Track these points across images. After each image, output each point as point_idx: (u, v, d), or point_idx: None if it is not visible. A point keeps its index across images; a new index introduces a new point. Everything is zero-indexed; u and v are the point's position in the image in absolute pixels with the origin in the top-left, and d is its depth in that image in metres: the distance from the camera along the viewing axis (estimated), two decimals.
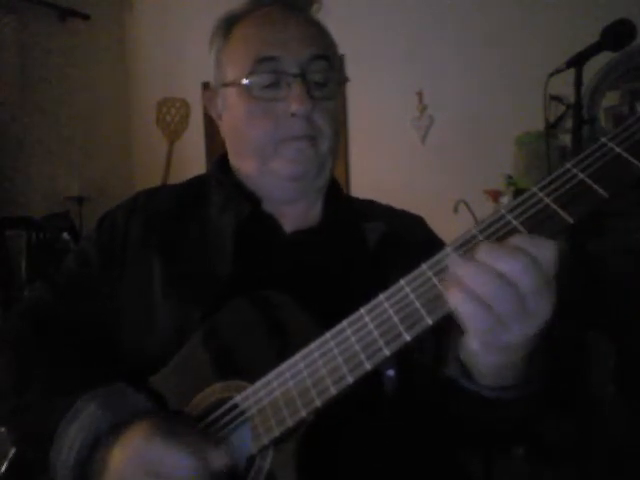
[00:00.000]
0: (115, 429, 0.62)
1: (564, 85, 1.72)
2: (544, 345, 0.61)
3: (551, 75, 1.66)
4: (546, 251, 0.49)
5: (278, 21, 0.81)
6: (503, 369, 0.57)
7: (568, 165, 0.51)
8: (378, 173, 3.10)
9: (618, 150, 0.49)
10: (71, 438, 0.63)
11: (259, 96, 0.79)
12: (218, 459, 0.59)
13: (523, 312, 0.49)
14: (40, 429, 0.67)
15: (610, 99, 2.47)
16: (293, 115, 0.77)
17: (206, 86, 0.90)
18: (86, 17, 3.83)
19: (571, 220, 0.49)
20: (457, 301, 0.50)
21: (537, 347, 0.56)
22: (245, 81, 0.79)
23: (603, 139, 0.50)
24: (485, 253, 0.49)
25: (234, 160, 0.87)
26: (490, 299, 0.49)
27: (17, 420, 0.72)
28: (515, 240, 0.50)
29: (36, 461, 0.68)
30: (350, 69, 3.24)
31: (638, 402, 2.00)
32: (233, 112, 0.83)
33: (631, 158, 0.49)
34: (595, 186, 0.49)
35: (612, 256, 2.12)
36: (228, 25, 0.85)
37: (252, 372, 0.62)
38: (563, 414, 1.85)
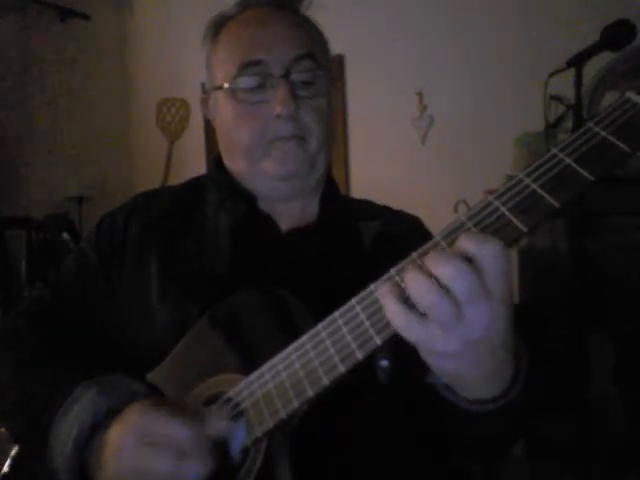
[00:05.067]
0: (113, 413, 0.62)
1: (564, 85, 1.72)
2: (529, 356, 0.62)
3: (551, 75, 1.66)
4: (489, 257, 0.48)
5: (262, 23, 0.82)
6: (462, 380, 0.56)
7: (554, 150, 0.51)
8: (378, 173, 3.10)
9: (603, 134, 0.50)
10: (69, 423, 0.64)
11: (245, 99, 0.80)
12: (215, 422, 0.59)
13: (458, 318, 0.48)
14: (39, 417, 0.67)
15: (610, 99, 2.47)
16: (278, 116, 0.78)
17: (205, 86, 0.91)
18: (86, 17, 3.83)
19: (557, 204, 0.50)
20: (389, 309, 0.51)
21: (505, 358, 0.55)
22: (230, 85, 0.81)
23: (589, 123, 0.51)
24: (429, 259, 0.50)
25: (227, 161, 0.88)
26: (422, 304, 0.49)
27: (17, 413, 0.72)
28: (461, 240, 0.49)
29: (35, 455, 0.68)
30: (350, 69, 3.25)
31: (638, 402, 2.00)
32: (223, 115, 0.84)
33: (617, 141, 0.49)
34: (581, 170, 0.49)
35: (610, 255, 2.12)
36: (216, 28, 0.86)
37: (250, 365, 0.62)
38: (563, 414, 1.86)
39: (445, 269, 0.48)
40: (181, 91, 3.69)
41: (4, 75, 3.42)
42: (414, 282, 0.49)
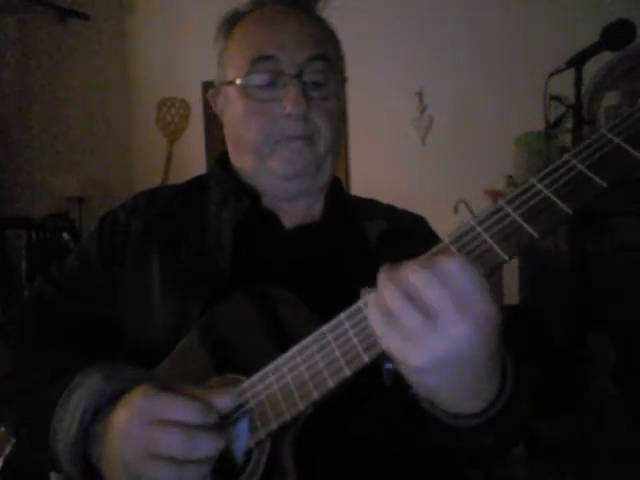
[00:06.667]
0: (117, 396, 0.62)
1: (564, 85, 1.72)
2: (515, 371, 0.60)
3: (551, 75, 1.66)
4: (452, 272, 0.48)
5: (277, 21, 0.82)
6: (441, 396, 0.55)
7: (567, 156, 0.51)
8: (378, 173, 3.10)
9: (617, 141, 0.49)
10: (73, 406, 0.63)
11: (256, 96, 0.80)
12: (220, 398, 0.59)
13: (430, 330, 0.48)
14: (42, 403, 0.67)
15: (610, 99, 2.47)
16: (289, 116, 0.78)
17: (206, 86, 0.91)
18: (86, 17, 3.83)
19: (570, 211, 0.49)
20: (370, 315, 0.51)
21: (486, 375, 0.54)
22: (242, 81, 0.80)
23: (602, 130, 0.50)
24: (401, 270, 0.50)
25: (234, 158, 0.88)
26: (394, 312, 0.49)
27: (18, 401, 0.72)
28: (431, 257, 0.50)
29: (36, 440, 0.68)
30: (350, 69, 3.24)
31: (638, 402, 1.99)
32: (232, 111, 0.84)
33: (630, 149, 0.48)
34: (594, 177, 0.49)
35: (610, 255, 2.12)
36: (229, 25, 0.86)
37: (249, 366, 0.62)
38: (563, 414, 1.85)
39: (413, 280, 0.48)
40: (181, 91, 3.68)
41: (3, 74, 3.42)
42: (385, 289, 0.50)
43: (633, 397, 1.99)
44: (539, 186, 0.51)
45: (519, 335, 0.72)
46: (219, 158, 0.92)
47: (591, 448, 1.69)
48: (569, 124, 2.08)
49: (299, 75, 0.78)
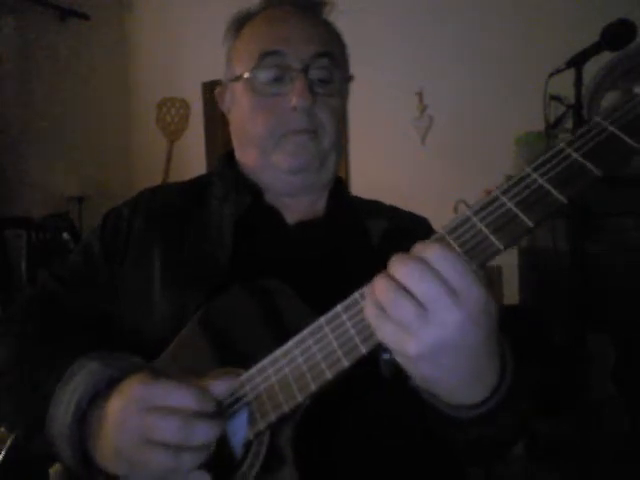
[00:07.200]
0: (113, 383, 0.62)
1: (564, 85, 1.72)
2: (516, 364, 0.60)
3: (551, 75, 1.66)
4: (437, 259, 0.48)
5: (285, 19, 0.84)
6: (439, 385, 0.55)
7: (562, 145, 0.51)
8: (378, 173, 3.10)
9: (612, 129, 0.49)
10: (70, 391, 0.64)
11: (263, 91, 0.82)
12: (216, 384, 0.60)
13: (423, 319, 0.48)
14: (39, 391, 0.67)
15: (610, 99, 2.47)
16: (294, 109, 0.79)
17: (206, 86, 0.91)
18: (86, 17, 3.83)
19: (565, 200, 0.49)
20: (365, 309, 0.52)
21: (486, 364, 0.54)
22: (250, 75, 0.82)
23: (597, 118, 0.50)
24: (392, 262, 0.50)
25: (238, 153, 0.89)
26: (386, 304, 0.49)
27: (15, 390, 0.72)
28: (418, 248, 0.50)
29: (33, 428, 0.67)
30: (350, 69, 3.24)
31: (638, 402, 2.00)
32: (239, 106, 0.85)
33: (625, 136, 0.48)
34: (589, 165, 0.49)
35: (610, 255, 2.12)
36: (239, 24, 0.88)
37: (249, 357, 0.62)
38: (563, 414, 1.85)
39: (400, 270, 0.49)
40: (181, 91, 3.69)
41: (4, 75, 3.42)
42: (377, 282, 0.50)
43: (633, 397, 1.99)
44: (534, 175, 0.51)
45: (519, 335, 0.72)
46: (223, 155, 0.93)
47: (591, 448, 1.69)
48: (569, 124, 2.08)
49: (305, 70, 0.80)
